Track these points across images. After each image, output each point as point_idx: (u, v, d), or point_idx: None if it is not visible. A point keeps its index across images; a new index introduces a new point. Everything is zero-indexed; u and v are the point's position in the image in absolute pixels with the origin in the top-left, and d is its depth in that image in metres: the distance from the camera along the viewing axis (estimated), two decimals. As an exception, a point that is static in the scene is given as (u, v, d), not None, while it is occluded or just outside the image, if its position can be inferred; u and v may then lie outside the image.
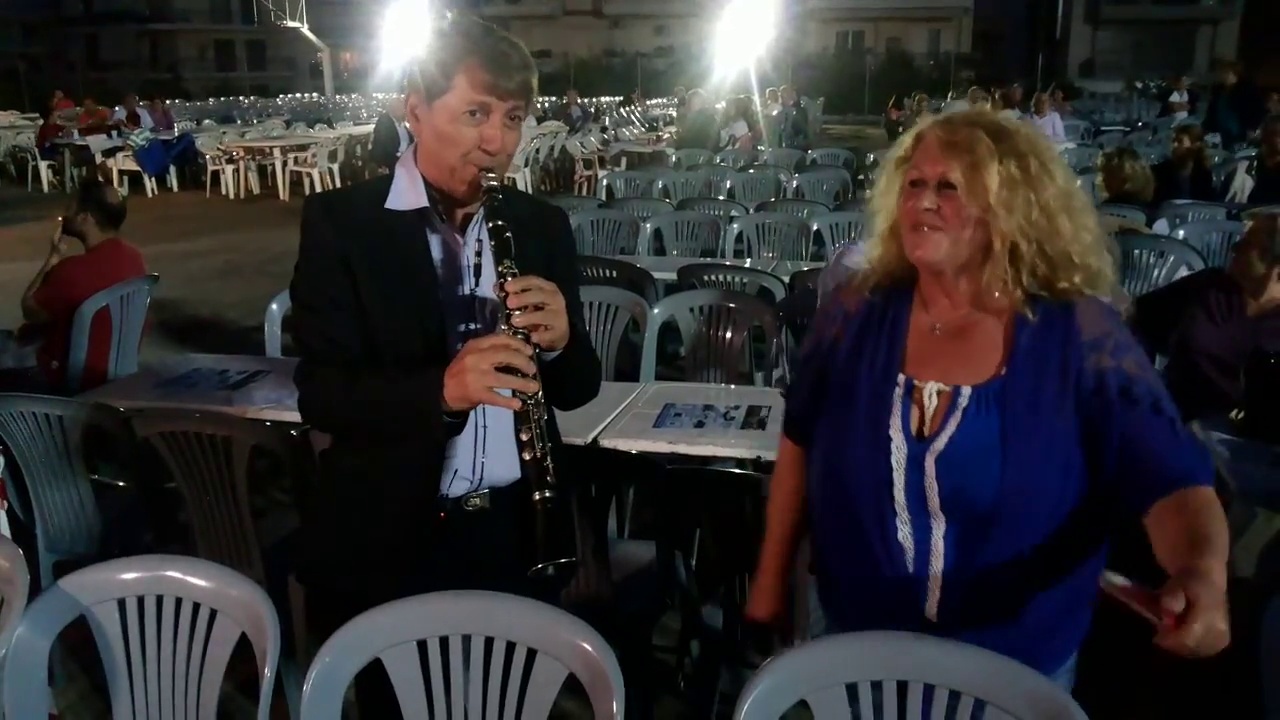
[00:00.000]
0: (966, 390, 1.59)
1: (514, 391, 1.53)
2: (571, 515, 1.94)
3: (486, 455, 1.77)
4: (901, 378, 1.64)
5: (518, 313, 1.57)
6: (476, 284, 1.74)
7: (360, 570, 1.78)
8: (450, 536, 1.77)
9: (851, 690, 1.55)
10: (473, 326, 1.74)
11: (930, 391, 1.61)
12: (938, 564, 1.60)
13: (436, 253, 1.74)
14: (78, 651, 2.98)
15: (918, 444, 1.59)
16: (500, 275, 1.60)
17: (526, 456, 1.56)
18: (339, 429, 1.81)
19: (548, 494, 1.55)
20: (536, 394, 1.56)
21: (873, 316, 1.71)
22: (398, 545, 1.76)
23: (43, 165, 15.74)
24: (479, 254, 1.71)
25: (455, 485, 1.77)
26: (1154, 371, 1.60)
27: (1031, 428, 1.55)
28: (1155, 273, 5.16)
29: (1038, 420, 1.55)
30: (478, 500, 1.79)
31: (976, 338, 1.62)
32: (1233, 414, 2.97)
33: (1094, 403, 1.55)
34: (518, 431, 1.56)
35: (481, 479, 1.78)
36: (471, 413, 1.66)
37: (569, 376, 1.76)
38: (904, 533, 1.61)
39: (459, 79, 1.63)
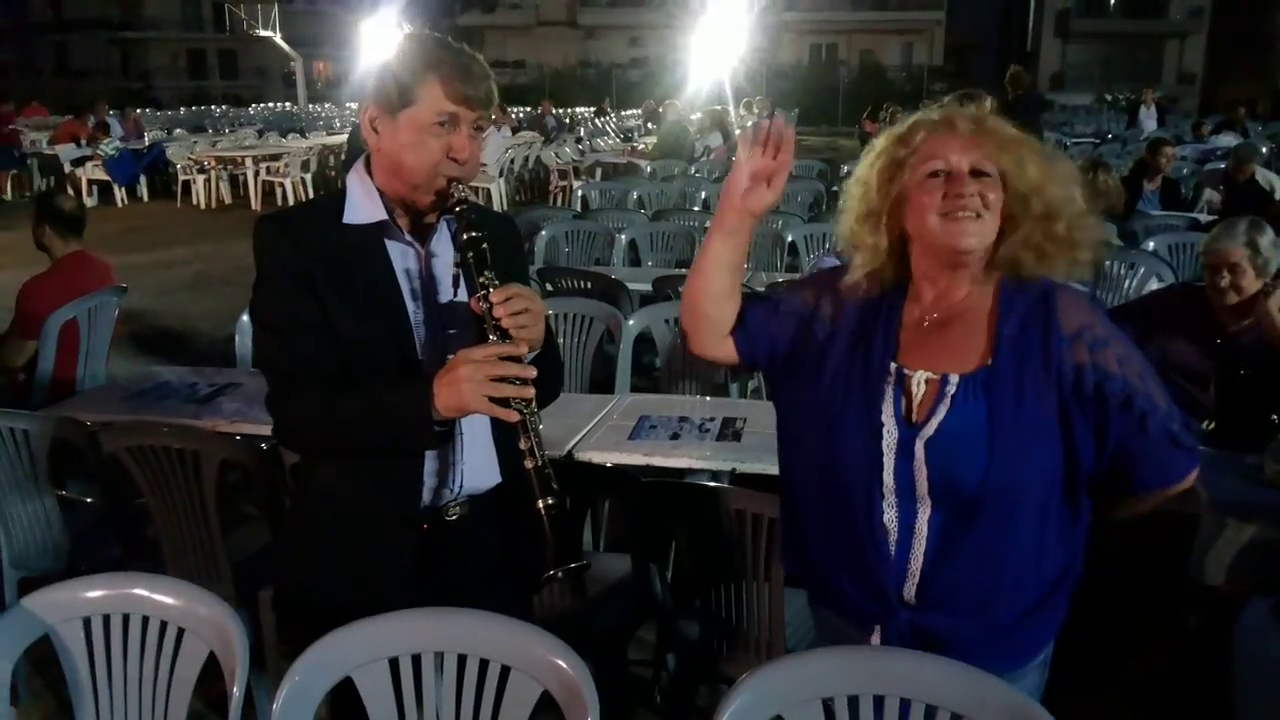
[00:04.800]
0: (954, 378, 1.62)
1: (511, 401, 1.53)
2: (573, 520, 1.92)
3: (465, 463, 1.76)
4: (893, 366, 1.67)
5: (507, 320, 1.58)
6: (455, 293, 1.73)
7: (341, 588, 1.76)
8: (432, 547, 1.76)
9: (827, 705, 1.55)
10: (450, 333, 1.73)
11: (919, 380, 1.64)
12: (919, 547, 1.63)
13: (399, 264, 1.73)
14: (43, 670, 2.93)
15: (908, 429, 1.62)
16: (483, 286, 1.60)
17: (529, 465, 1.56)
18: (323, 450, 1.77)
19: (551, 501, 1.55)
20: (531, 402, 1.56)
21: (869, 311, 1.73)
22: (381, 560, 1.74)
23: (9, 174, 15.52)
24: (458, 264, 1.70)
25: (435, 495, 1.75)
26: (1136, 363, 1.62)
27: (1016, 416, 1.58)
28: (1127, 283, 5.22)
29: (1022, 409, 1.58)
30: (457, 509, 1.78)
31: (962, 329, 1.65)
32: (1204, 425, 2.99)
33: (1072, 398, 1.59)
34: (517, 440, 1.56)
35: (461, 488, 1.77)
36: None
37: (542, 378, 1.75)
38: (889, 516, 1.63)
39: (427, 90, 1.63)
